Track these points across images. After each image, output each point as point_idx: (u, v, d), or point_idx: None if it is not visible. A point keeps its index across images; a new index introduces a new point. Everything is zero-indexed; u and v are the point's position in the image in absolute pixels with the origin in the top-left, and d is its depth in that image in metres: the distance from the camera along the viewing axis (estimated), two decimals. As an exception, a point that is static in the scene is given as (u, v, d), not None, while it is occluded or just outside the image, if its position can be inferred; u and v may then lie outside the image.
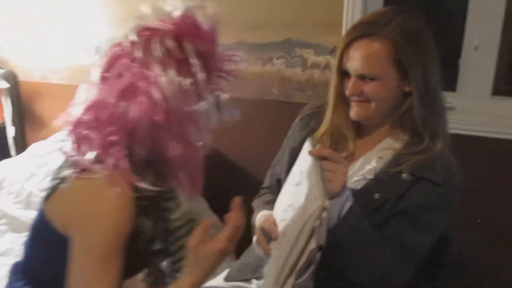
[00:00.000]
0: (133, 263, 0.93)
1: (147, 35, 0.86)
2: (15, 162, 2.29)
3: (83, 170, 0.86)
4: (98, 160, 0.85)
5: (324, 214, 0.93)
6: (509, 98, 1.79)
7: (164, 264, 1.00)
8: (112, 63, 0.87)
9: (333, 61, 1.17)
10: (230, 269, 1.36)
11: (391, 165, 1.13)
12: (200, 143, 0.92)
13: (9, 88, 2.50)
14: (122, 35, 0.88)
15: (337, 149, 1.19)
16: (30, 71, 2.50)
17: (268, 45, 1.98)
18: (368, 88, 1.10)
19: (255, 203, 1.38)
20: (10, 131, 2.58)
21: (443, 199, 1.11)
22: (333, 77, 1.17)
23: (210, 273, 0.91)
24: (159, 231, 0.96)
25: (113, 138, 0.84)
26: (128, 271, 0.94)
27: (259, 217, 1.25)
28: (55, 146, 2.20)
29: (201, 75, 0.85)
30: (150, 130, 0.84)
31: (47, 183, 0.96)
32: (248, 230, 1.31)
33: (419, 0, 2.07)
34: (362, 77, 1.10)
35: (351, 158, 1.19)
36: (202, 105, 0.88)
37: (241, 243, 1.47)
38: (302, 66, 1.95)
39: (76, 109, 0.88)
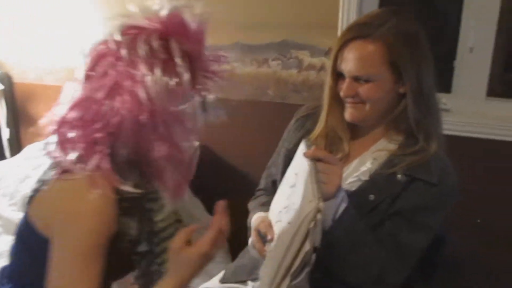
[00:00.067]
0: (119, 264, 0.92)
1: (133, 33, 0.84)
2: (10, 164, 2.28)
3: (65, 171, 0.85)
4: (80, 160, 0.84)
5: (319, 216, 0.93)
6: (503, 100, 1.80)
7: (153, 266, 0.99)
8: (97, 62, 0.85)
9: (328, 63, 1.17)
10: (226, 270, 1.36)
11: (385, 166, 1.13)
12: (186, 144, 0.91)
13: (3, 90, 2.48)
14: (107, 32, 0.87)
15: (332, 150, 1.19)
16: (25, 73, 2.49)
17: (264, 47, 1.98)
18: (363, 89, 1.10)
19: (251, 204, 1.38)
20: (5, 133, 2.56)
21: (438, 200, 1.11)
22: (327, 79, 1.18)
23: (192, 277, 0.89)
24: (144, 232, 0.95)
25: (97, 137, 0.83)
26: (115, 272, 0.94)
27: (255, 219, 1.24)
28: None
29: (187, 75, 0.85)
30: (134, 130, 0.83)
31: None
32: (243, 232, 1.31)
33: (414, 2, 2.08)
34: (356, 79, 1.10)
35: (346, 159, 1.20)
36: (188, 106, 0.87)
37: (237, 245, 1.48)
38: (297, 68, 1.95)
39: (60, 108, 0.87)
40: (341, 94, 1.14)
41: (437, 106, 1.17)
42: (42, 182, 0.89)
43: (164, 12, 0.86)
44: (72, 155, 0.84)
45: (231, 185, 2.15)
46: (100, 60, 0.85)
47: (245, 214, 1.35)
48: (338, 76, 1.15)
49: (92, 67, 0.86)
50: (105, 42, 0.86)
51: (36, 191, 0.90)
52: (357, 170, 1.17)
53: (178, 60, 0.83)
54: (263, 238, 1.15)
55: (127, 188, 0.85)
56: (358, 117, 1.15)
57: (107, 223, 0.84)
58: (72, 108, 0.86)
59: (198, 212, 2.05)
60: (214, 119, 0.94)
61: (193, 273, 0.89)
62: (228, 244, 2.05)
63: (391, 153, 1.15)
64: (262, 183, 1.43)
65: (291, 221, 1.00)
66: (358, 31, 1.09)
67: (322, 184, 0.99)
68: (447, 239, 1.27)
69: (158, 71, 0.82)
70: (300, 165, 1.08)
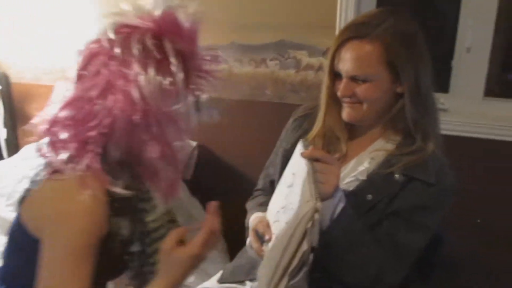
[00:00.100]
0: (113, 264, 0.91)
1: (126, 32, 0.83)
2: (7, 165, 2.28)
3: (56, 171, 0.84)
4: (71, 160, 0.83)
5: (316, 216, 0.93)
6: (501, 100, 1.81)
7: (146, 266, 0.98)
8: (89, 61, 0.84)
9: (326, 63, 1.17)
10: (224, 271, 1.36)
11: (383, 166, 1.14)
12: (179, 144, 0.90)
13: (1, 90, 2.48)
14: (100, 31, 0.86)
15: (329, 150, 1.19)
16: (22, 73, 2.49)
17: (262, 47, 1.98)
18: (360, 89, 1.10)
19: (249, 205, 1.38)
20: (2, 133, 2.56)
21: (435, 200, 1.11)
22: (325, 79, 1.18)
23: (183, 277, 0.88)
24: (136, 233, 0.94)
25: (89, 137, 0.83)
26: (109, 273, 0.93)
27: (253, 219, 1.25)
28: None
29: (180, 75, 0.84)
30: (127, 130, 0.82)
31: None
32: (241, 232, 1.31)
33: (412, 2, 2.09)
34: (354, 79, 1.10)
35: (343, 159, 1.20)
36: (182, 105, 0.86)
37: (235, 245, 1.48)
38: (295, 68, 1.95)
39: (52, 108, 0.86)
40: (339, 94, 1.14)
41: (434, 106, 1.17)
42: (33, 182, 0.88)
43: (157, 11, 0.85)
44: (63, 155, 0.83)
45: (229, 185, 2.15)
46: (92, 59, 0.84)
47: (243, 214, 1.35)
48: (335, 76, 1.15)
49: (84, 66, 0.85)
50: (97, 41, 0.85)
51: (27, 191, 0.89)
52: (355, 170, 1.17)
53: (172, 60, 0.83)
54: (261, 238, 1.15)
55: (117, 189, 0.84)
56: (355, 117, 1.15)
57: (98, 224, 0.84)
58: (63, 107, 0.85)
59: (196, 212, 2.04)
60: (208, 119, 0.93)
61: (184, 274, 0.88)
62: (226, 244, 2.06)
63: (389, 153, 1.15)
64: (260, 183, 1.43)
65: (289, 221, 1.00)
66: (356, 31, 1.09)
67: (320, 184, 0.99)
68: (445, 239, 1.27)
69: (151, 71, 0.82)
70: (297, 165, 1.08)
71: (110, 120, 0.81)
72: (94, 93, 0.82)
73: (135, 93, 0.80)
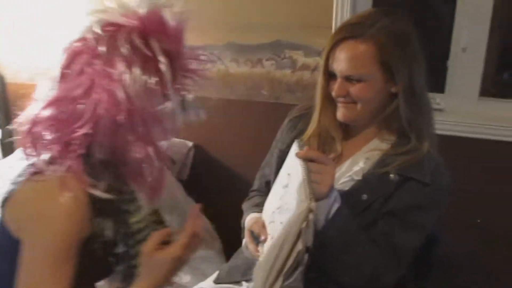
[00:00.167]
0: (98, 266, 0.90)
1: (110, 30, 0.82)
2: (2, 165, 2.26)
3: (37, 172, 0.83)
4: (53, 161, 0.82)
5: (311, 216, 0.93)
6: (496, 100, 1.81)
7: (132, 268, 0.97)
8: (72, 59, 0.83)
9: (321, 63, 1.17)
10: (220, 271, 1.36)
11: (378, 165, 1.14)
12: (164, 145, 0.89)
13: (-4, 90, 2.47)
14: (84, 29, 0.84)
15: (324, 150, 1.20)
16: (17, 73, 2.47)
17: (258, 47, 1.97)
18: (354, 89, 1.10)
19: (245, 205, 1.38)
20: (-3, 134, 2.55)
21: (431, 199, 1.11)
22: (319, 79, 1.18)
23: (164, 281, 0.87)
24: (120, 234, 0.92)
25: (71, 138, 0.81)
26: (93, 274, 0.92)
27: (248, 220, 1.25)
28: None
29: (168, 74, 0.83)
30: (111, 130, 0.81)
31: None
32: (237, 232, 1.31)
33: (408, 2, 2.09)
34: (348, 78, 1.10)
35: (338, 159, 1.20)
36: (167, 105, 0.85)
37: (231, 245, 1.47)
38: (291, 68, 1.95)
39: (35, 107, 0.85)
40: (333, 94, 1.14)
41: (429, 105, 1.18)
42: (16, 183, 0.87)
43: (142, 10, 0.83)
44: (45, 156, 0.82)
45: (225, 185, 2.14)
46: (76, 57, 0.83)
47: (239, 214, 1.35)
48: (330, 76, 1.15)
49: (68, 64, 0.83)
50: (81, 39, 0.84)
51: (10, 192, 0.88)
52: (350, 170, 1.17)
53: (160, 58, 0.82)
54: (256, 239, 1.15)
55: (97, 192, 0.83)
56: (350, 117, 1.15)
57: (79, 225, 0.82)
58: (46, 106, 0.83)
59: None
60: (194, 119, 0.92)
61: (166, 276, 0.87)
62: (223, 244, 2.06)
63: (384, 152, 1.16)
64: (256, 184, 1.43)
65: (284, 222, 1.00)
66: (350, 31, 1.09)
67: (315, 184, 0.99)
68: (440, 239, 1.27)
69: (136, 70, 0.80)
70: (292, 166, 1.08)
71: (94, 120, 0.80)
72: (78, 92, 0.80)
73: (119, 93, 0.79)
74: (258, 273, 1.07)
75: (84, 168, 0.83)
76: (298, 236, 0.93)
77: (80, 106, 0.80)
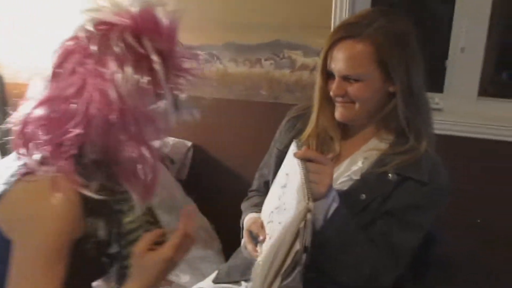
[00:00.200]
0: (90, 266, 0.90)
1: (102, 29, 0.81)
2: (0, 165, 2.26)
3: (29, 172, 0.83)
4: (44, 161, 0.82)
5: (309, 216, 0.93)
6: (495, 99, 1.81)
7: (126, 268, 0.96)
8: (65, 58, 0.83)
9: (318, 62, 1.17)
10: (219, 271, 1.36)
11: (377, 165, 1.14)
12: (156, 144, 0.88)
13: (-6, 90, 2.46)
14: (76, 28, 0.83)
15: (323, 150, 1.20)
16: (16, 73, 2.47)
17: (257, 47, 1.97)
18: (352, 89, 1.10)
19: (243, 205, 1.38)
20: (-4, 134, 2.54)
21: (429, 199, 1.11)
22: (317, 79, 1.18)
23: (156, 282, 0.86)
24: (113, 234, 0.92)
25: (63, 138, 0.81)
26: (87, 275, 0.91)
27: (247, 220, 1.25)
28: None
29: (161, 73, 0.82)
30: (103, 130, 0.80)
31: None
32: (237, 232, 1.31)
33: (406, 3, 2.09)
34: (346, 78, 1.11)
35: (337, 159, 1.20)
36: (160, 105, 0.84)
37: (230, 245, 1.47)
38: (290, 68, 1.95)
39: (27, 107, 0.84)
40: (331, 93, 1.14)
41: (427, 105, 1.18)
42: (8, 183, 0.86)
43: (135, 8, 0.83)
44: (37, 156, 0.82)
45: (224, 185, 2.14)
46: (68, 57, 0.82)
47: (239, 214, 1.35)
48: (328, 75, 1.15)
49: (60, 64, 0.83)
50: (74, 38, 0.83)
51: (1, 193, 0.87)
52: (349, 170, 1.17)
53: (153, 57, 0.81)
54: (255, 239, 1.15)
55: (88, 192, 0.83)
56: (348, 116, 1.15)
57: (70, 225, 0.82)
58: (38, 106, 0.83)
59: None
60: (187, 118, 0.92)
61: (157, 278, 0.86)
62: (222, 244, 2.06)
63: (382, 152, 1.15)
64: (255, 184, 1.43)
65: (282, 222, 1.00)
66: (347, 31, 1.09)
67: (313, 184, 0.99)
68: (438, 239, 1.27)
69: (128, 69, 0.80)
70: (291, 166, 1.07)
71: (86, 120, 0.79)
72: (70, 92, 0.80)
73: (111, 92, 0.79)
74: (257, 273, 1.07)
75: (76, 168, 0.83)
76: (296, 236, 0.93)
77: (72, 106, 0.79)
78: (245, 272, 1.26)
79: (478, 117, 1.77)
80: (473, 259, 1.79)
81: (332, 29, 1.80)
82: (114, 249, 0.92)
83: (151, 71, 0.82)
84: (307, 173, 1.00)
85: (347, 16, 1.78)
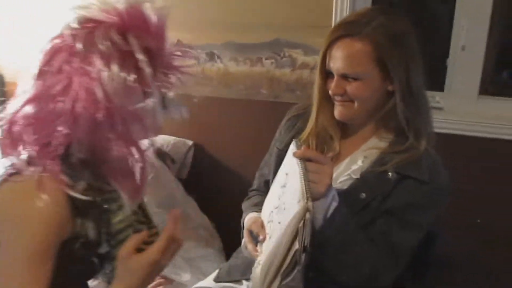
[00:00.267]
0: (82, 266, 0.90)
1: (89, 27, 0.80)
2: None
3: (16, 172, 0.82)
4: (31, 161, 0.81)
5: (308, 216, 0.93)
6: (496, 98, 1.81)
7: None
8: (51, 56, 0.81)
9: (318, 61, 1.17)
10: (220, 270, 1.36)
11: (376, 164, 1.14)
12: (145, 143, 0.87)
13: (-5, 90, 2.46)
14: (63, 26, 0.82)
15: (323, 149, 1.20)
16: (17, 72, 2.47)
17: (257, 46, 1.97)
18: (351, 87, 1.10)
19: (244, 205, 1.38)
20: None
21: (429, 198, 1.11)
22: (316, 77, 1.18)
23: (142, 285, 0.85)
24: (103, 234, 0.90)
25: (50, 137, 0.80)
26: (78, 275, 0.91)
27: (247, 219, 1.25)
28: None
29: (147, 71, 0.81)
30: (90, 129, 0.79)
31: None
32: (237, 231, 1.31)
33: (407, 2, 2.09)
34: (344, 77, 1.11)
35: (337, 158, 1.20)
36: (148, 103, 0.82)
37: (231, 244, 1.48)
38: (291, 67, 1.95)
39: (13, 106, 0.83)
40: (330, 92, 1.14)
41: (427, 104, 1.17)
42: None
43: (122, 5, 0.81)
44: (24, 156, 0.81)
45: (225, 184, 2.15)
46: (55, 55, 0.81)
47: (239, 213, 1.35)
48: (327, 74, 1.15)
49: (47, 62, 0.81)
50: (60, 36, 0.82)
51: None
52: (348, 169, 1.17)
53: (139, 56, 0.80)
54: (255, 239, 1.15)
55: (74, 193, 0.82)
56: (347, 115, 1.15)
57: (57, 226, 0.81)
58: (25, 104, 0.82)
59: (192, 211, 2.05)
60: (176, 116, 0.90)
61: (142, 281, 0.84)
62: (223, 243, 2.06)
63: (382, 151, 1.15)
64: (255, 183, 1.43)
65: (282, 221, 1.00)
66: (346, 30, 1.09)
67: (313, 184, 0.99)
68: (438, 238, 1.27)
69: (115, 67, 0.79)
70: (290, 165, 1.07)
71: (72, 119, 0.78)
72: (56, 90, 0.79)
73: (98, 91, 0.78)
74: (256, 272, 1.07)
75: (62, 168, 0.82)
76: (295, 235, 0.93)
77: (58, 104, 0.79)
78: (246, 271, 1.26)
79: (478, 116, 1.77)
80: (473, 259, 1.79)
81: (332, 28, 1.80)
82: (104, 249, 0.91)
83: (138, 69, 0.81)
84: (306, 172, 1.00)
85: (347, 15, 1.78)
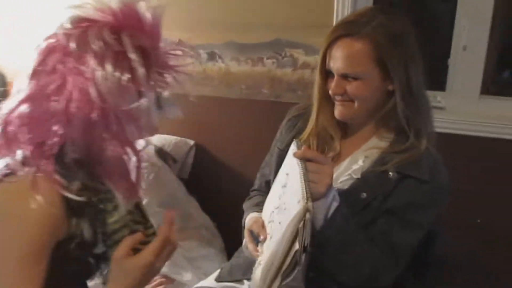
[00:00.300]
0: (78, 267, 0.89)
1: (84, 26, 0.80)
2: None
3: (10, 172, 0.82)
4: (25, 161, 0.81)
5: (308, 216, 0.93)
6: (497, 98, 1.81)
7: None
8: (46, 56, 0.81)
9: (318, 61, 1.17)
10: (222, 269, 1.36)
11: (377, 164, 1.14)
12: (139, 143, 0.87)
13: (-3, 89, 2.47)
14: (58, 25, 0.82)
15: (323, 149, 1.20)
16: (19, 72, 2.48)
17: (258, 45, 1.97)
18: (351, 87, 1.10)
19: (245, 205, 1.38)
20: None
21: (429, 197, 1.11)
22: (317, 77, 1.18)
23: (136, 286, 0.84)
24: (98, 234, 0.90)
25: (44, 136, 0.80)
26: (75, 275, 0.91)
27: (248, 219, 1.25)
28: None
29: (140, 71, 0.80)
30: (84, 128, 0.79)
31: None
32: (239, 231, 1.31)
33: (408, 2, 2.08)
34: (344, 76, 1.11)
35: (337, 158, 1.20)
36: (142, 102, 0.82)
37: (233, 244, 1.48)
38: (292, 66, 1.95)
39: (8, 106, 0.83)
40: (330, 92, 1.14)
41: (427, 104, 1.17)
42: None
43: (117, 4, 0.81)
44: (18, 156, 0.81)
45: (226, 184, 2.15)
46: (49, 54, 0.81)
47: (240, 213, 1.35)
48: (327, 74, 1.15)
49: (41, 62, 0.81)
50: (55, 35, 0.82)
51: None
52: (349, 169, 1.17)
53: (132, 55, 0.79)
54: (256, 239, 1.16)
55: (69, 193, 0.81)
56: (347, 115, 1.15)
57: (51, 227, 0.81)
58: (19, 104, 0.81)
59: (194, 211, 2.05)
60: (171, 116, 0.90)
61: (136, 282, 0.83)
62: (224, 243, 2.06)
63: (382, 150, 1.15)
64: (256, 184, 1.43)
65: (282, 221, 1.00)
66: (345, 29, 1.09)
67: (313, 184, 0.99)
68: (438, 238, 1.27)
69: (109, 67, 0.78)
70: (291, 165, 1.07)
71: (66, 119, 0.78)
72: (50, 90, 0.79)
73: (92, 90, 0.77)
74: (257, 272, 1.07)
75: (56, 169, 0.81)
76: (295, 236, 0.93)
77: (53, 104, 0.78)
78: (247, 271, 1.26)
79: (480, 115, 1.76)
80: (473, 259, 1.79)
81: (333, 28, 1.80)
82: (100, 249, 0.90)
83: (132, 68, 0.80)
84: (306, 172, 1.00)
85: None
